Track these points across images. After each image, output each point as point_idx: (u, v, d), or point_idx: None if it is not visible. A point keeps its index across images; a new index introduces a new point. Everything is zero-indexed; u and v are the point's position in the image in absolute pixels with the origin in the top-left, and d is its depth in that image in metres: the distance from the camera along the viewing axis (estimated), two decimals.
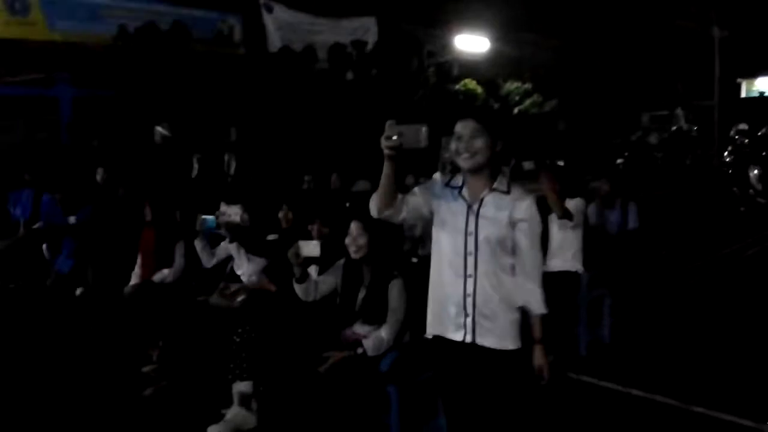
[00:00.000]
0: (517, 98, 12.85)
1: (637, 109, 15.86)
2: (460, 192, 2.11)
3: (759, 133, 11.20)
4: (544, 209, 3.13)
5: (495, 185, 2.08)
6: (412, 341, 2.70)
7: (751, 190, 9.17)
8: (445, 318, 2.09)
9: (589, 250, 4.06)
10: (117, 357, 3.72)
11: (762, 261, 6.54)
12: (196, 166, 7.19)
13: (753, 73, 15.15)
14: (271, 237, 3.83)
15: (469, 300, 2.06)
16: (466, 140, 2.01)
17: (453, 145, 2.05)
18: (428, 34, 12.50)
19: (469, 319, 2.05)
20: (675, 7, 13.65)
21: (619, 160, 12.28)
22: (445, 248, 2.13)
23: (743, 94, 15.52)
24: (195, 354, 3.23)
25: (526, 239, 2.07)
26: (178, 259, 3.78)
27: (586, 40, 13.96)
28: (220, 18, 10.35)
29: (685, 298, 5.14)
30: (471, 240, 2.06)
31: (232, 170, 7.45)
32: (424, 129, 1.91)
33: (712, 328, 4.37)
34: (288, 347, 2.73)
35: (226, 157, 7.64)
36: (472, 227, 2.07)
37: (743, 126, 11.78)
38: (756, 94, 15.02)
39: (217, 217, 3.49)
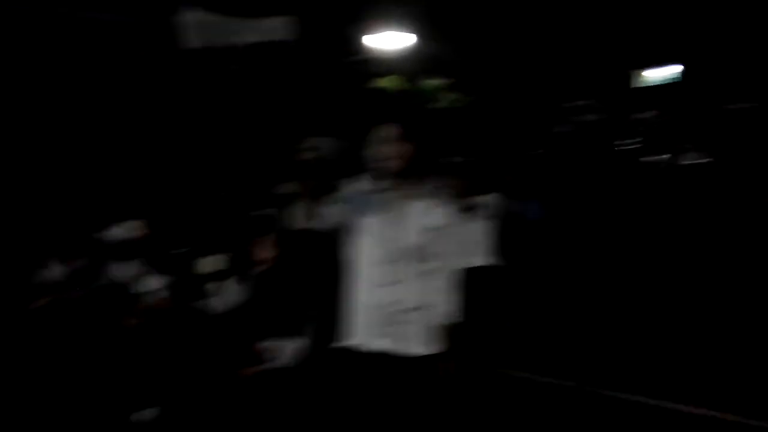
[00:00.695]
0: (436, 95, 13.08)
1: (552, 102, 16.43)
2: (379, 198, 2.13)
3: (662, 121, 11.93)
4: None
5: (414, 190, 2.12)
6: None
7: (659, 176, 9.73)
8: (363, 328, 2.11)
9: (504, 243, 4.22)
10: None
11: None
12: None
13: (642, 65, 15.99)
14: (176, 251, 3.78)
15: (393, 308, 2.08)
16: (388, 144, 2.00)
17: (375, 149, 2.06)
18: (345, 33, 12.52)
19: (390, 328, 2.07)
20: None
21: (539, 152, 12.73)
22: (366, 257, 2.13)
23: (638, 84, 16.30)
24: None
25: (445, 245, 2.12)
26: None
27: (500, 35, 14.34)
28: (132, 22, 9.98)
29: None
30: (392, 248, 2.08)
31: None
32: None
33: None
34: (195, 367, 2.74)
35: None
36: (391, 234, 2.08)
37: (647, 114, 12.53)
38: (650, 83, 15.86)
39: (106, 238, 3.40)
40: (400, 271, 2.06)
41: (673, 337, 4.29)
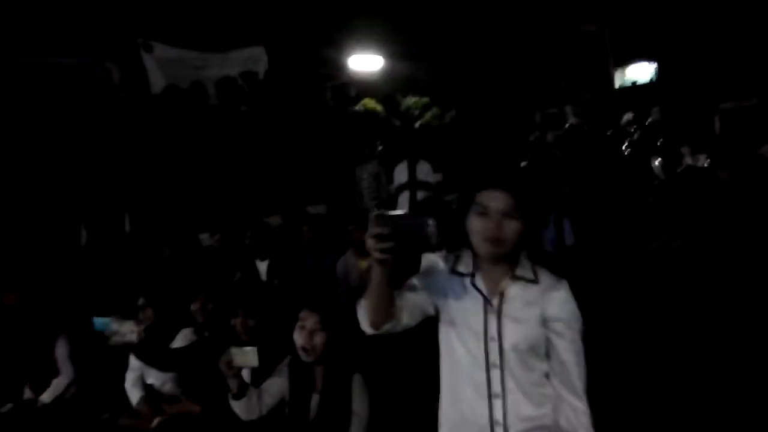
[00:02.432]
0: (416, 113, 12.89)
1: (529, 110, 16.37)
2: (472, 282, 1.67)
3: (647, 122, 11.75)
4: None
5: (518, 271, 1.65)
6: None
7: (656, 181, 9.53)
8: None
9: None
10: None
11: (690, 251, 6.65)
12: (84, 233, 6.37)
13: (623, 63, 16.07)
14: (181, 336, 3.27)
15: (499, 428, 1.60)
16: (495, 220, 1.58)
17: (475, 223, 1.61)
18: (320, 58, 12.29)
19: None
20: (547, 7, 14.24)
21: (522, 163, 12.51)
22: (460, 358, 1.65)
23: (617, 85, 16.35)
24: None
25: (564, 342, 1.61)
26: (65, 365, 3.17)
27: (473, 47, 14.28)
28: (97, 64, 9.58)
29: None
30: (494, 347, 1.60)
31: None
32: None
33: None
34: None
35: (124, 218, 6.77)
36: (493, 329, 1.61)
37: (629, 116, 12.39)
38: (629, 84, 15.92)
39: (109, 336, 2.95)
40: (512, 378, 1.61)
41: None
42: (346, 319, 2.25)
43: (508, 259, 1.66)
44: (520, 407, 1.60)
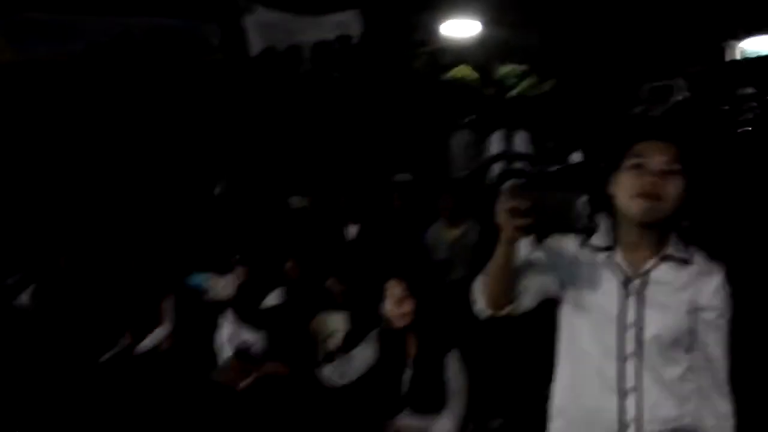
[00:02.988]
0: (512, 82, 12.39)
1: (634, 82, 15.40)
2: (610, 257, 1.46)
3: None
4: None
5: (669, 250, 1.43)
6: None
7: None
8: None
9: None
10: None
11: None
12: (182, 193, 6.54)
13: (737, 35, 14.74)
14: (272, 297, 3.26)
15: (632, 429, 1.40)
16: (654, 174, 1.35)
17: (627, 179, 1.38)
18: (414, 23, 12.03)
19: None
20: None
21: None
22: (586, 346, 1.45)
23: (736, 57, 15.06)
24: None
25: (715, 335, 1.41)
26: (168, 318, 3.29)
27: (578, 14, 13.50)
28: (197, 26, 9.85)
29: None
30: (631, 335, 1.39)
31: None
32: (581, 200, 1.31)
33: None
34: None
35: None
36: (633, 315, 1.40)
37: (748, 90, 11.33)
38: (746, 56, 14.60)
39: (204, 291, 2.98)
40: (650, 372, 1.38)
41: None
42: (437, 289, 2.13)
43: (659, 230, 1.42)
44: (658, 406, 1.39)
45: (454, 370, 2.09)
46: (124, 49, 8.81)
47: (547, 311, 1.58)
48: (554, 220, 1.24)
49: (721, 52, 14.30)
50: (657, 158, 1.38)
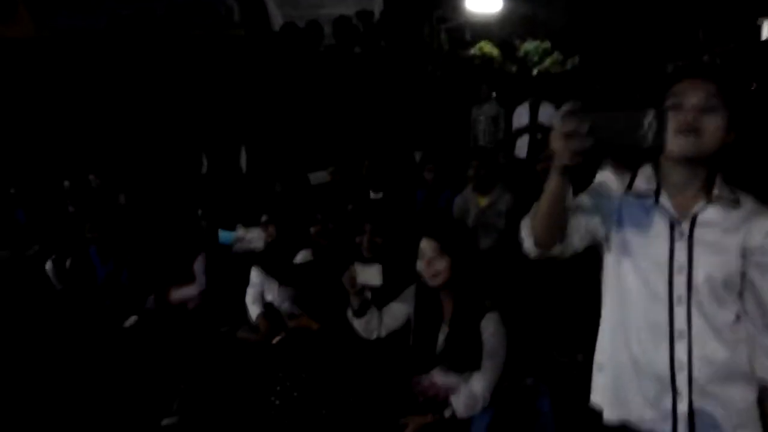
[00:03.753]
0: (536, 58, 12.15)
1: (659, 60, 14.99)
2: (656, 200, 1.40)
3: None
4: None
5: (716, 191, 1.37)
6: (511, 394, 2.11)
7: None
8: (637, 399, 1.38)
9: None
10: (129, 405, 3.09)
11: None
12: (205, 163, 6.55)
13: None
14: (300, 256, 3.21)
15: (682, 375, 1.34)
16: (693, 112, 1.31)
17: (672, 116, 1.29)
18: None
19: (682, 404, 1.34)
20: None
21: None
22: (634, 291, 1.39)
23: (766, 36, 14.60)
24: (225, 406, 2.69)
25: (767, 279, 1.34)
26: (200, 277, 3.28)
27: None
28: (219, 1, 9.79)
29: None
30: (681, 279, 1.34)
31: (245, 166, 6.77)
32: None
33: None
34: (344, 408, 2.20)
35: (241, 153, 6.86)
36: (682, 258, 1.35)
37: None
38: None
39: (234, 243, 2.94)
40: (700, 316, 1.32)
41: None
42: (471, 251, 2.07)
43: (704, 170, 1.36)
44: (710, 349, 1.34)
45: (491, 332, 2.02)
46: (146, 23, 8.80)
47: (589, 266, 1.52)
48: (620, 142, 1.14)
49: (758, 29, 13.89)
50: (694, 95, 1.34)
